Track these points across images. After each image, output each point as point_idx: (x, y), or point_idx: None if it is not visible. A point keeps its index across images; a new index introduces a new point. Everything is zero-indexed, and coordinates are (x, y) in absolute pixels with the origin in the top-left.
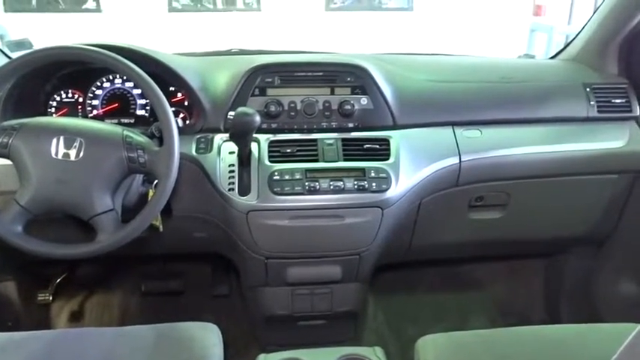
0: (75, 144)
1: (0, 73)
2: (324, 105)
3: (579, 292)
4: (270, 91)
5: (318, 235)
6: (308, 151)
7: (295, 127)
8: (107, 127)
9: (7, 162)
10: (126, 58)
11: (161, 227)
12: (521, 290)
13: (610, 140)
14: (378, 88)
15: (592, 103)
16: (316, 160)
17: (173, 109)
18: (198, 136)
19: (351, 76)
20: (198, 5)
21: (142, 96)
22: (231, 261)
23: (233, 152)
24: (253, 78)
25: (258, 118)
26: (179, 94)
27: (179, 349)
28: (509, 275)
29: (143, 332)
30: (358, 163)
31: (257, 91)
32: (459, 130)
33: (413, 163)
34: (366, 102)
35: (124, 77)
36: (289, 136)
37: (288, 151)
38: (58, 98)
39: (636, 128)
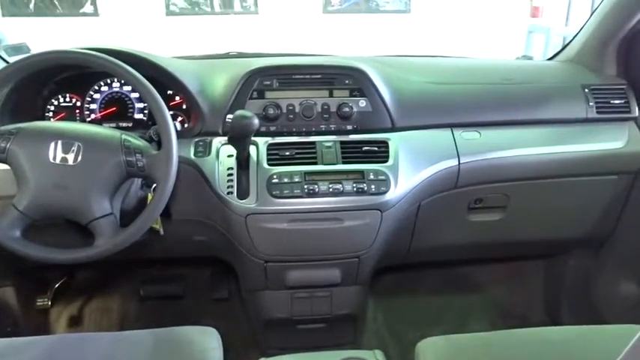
0: (73, 148)
1: None
2: (323, 107)
3: (579, 294)
4: (268, 94)
5: (317, 238)
6: (307, 153)
7: (294, 129)
8: (105, 131)
9: (5, 167)
10: (123, 61)
11: (161, 230)
12: (521, 292)
13: (609, 141)
14: (377, 90)
15: (591, 104)
16: (315, 163)
17: (171, 112)
18: (197, 140)
19: (350, 79)
20: (196, 8)
21: (140, 100)
22: (231, 264)
23: (232, 155)
24: (251, 81)
25: (256, 121)
26: (177, 98)
27: (178, 354)
28: (509, 277)
29: (142, 337)
30: (357, 166)
31: (255, 94)
32: (457, 132)
33: (412, 166)
34: (364, 104)
35: (122, 81)
36: (288, 139)
37: (287, 154)
38: (55, 102)
39: (635, 129)
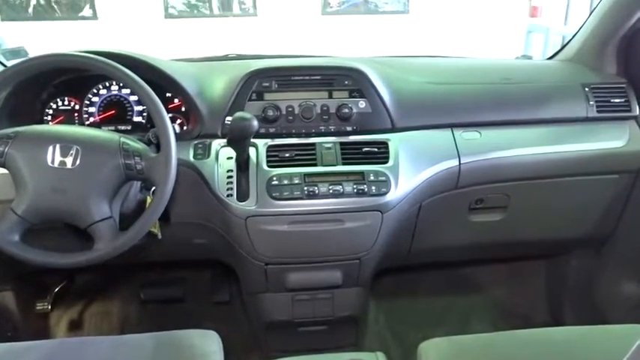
0: (71, 152)
1: None
2: (322, 109)
3: (581, 293)
4: (267, 96)
5: (317, 240)
6: (306, 155)
7: (293, 131)
8: (103, 134)
9: (3, 171)
10: (122, 64)
11: (159, 234)
12: (522, 292)
13: (610, 140)
14: (376, 91)
15: (591, 103)
16: (315, 165)
17: (170, 115)
18: (196, 142)
19: (349, 80)
20: (195, 11)
21: (138, 103)
22: (231, 267)
23: (231, 157)
24: (250, 83)
25: (255, 123)
26: (176, 100)
27: (179, 358)
28: (510, 277)
29: (142, 341)
30: (357, 167)
31: (254, 96)
32: (458, 132)
33: (412, 166)
34: (364, 105)
35: (121, 84)
36: (287, 141)
37: (287, 155)
38: (54, 106)
39: (636, 127)
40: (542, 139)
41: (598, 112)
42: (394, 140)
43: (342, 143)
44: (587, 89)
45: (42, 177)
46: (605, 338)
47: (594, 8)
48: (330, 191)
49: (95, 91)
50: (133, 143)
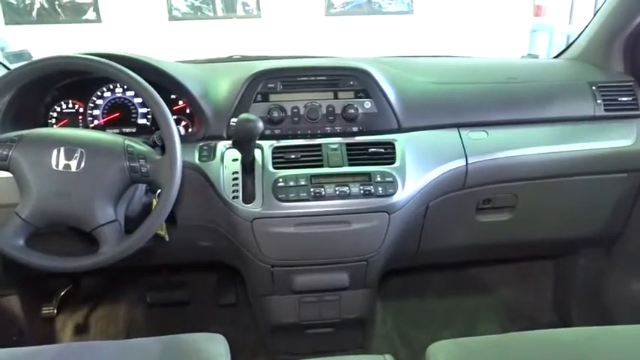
0: (76, 155)
1: None
2: (328, 109)
3: (590, 294)
4: (272, 97)
5: (324, 242)
6: (312, 156)
7: (299, 132)
8: (108, 136)
9: (8, 174)
10: (126, 66)
11: (167, 237)
12: (530, 293)
13: (618, 139)
14: (382, 91)
15: (598, 101)
16: (321, 166)
17: (175, 117)
18: (201, 144)
19: (354, 80)
20: (199, 13)
21: (143, 105)
22: (237, 270)
23: (236, 159)
24: (255, 84)
25: (261, 125)
26: (180, 102)
27: None
28: (518, 278)
29: (149, 345)
30: (363, 168)
31: (259, 97)
32: (464, 132)
33: (419, 167)
34: (369, 105)
35: (125, 86)
36: (293, 142)
37: (292, 157)
38: (58, 109)
39: None
40: (550, 138)
41: (605, 110)
42: (400, 140)
43: (348, 144)
44: (594, 88)
45: (46, 180)
46: (615, 339)
47: (600, 6)
48: (337, 192)
49: (99, 93)
50: (138, 146)
